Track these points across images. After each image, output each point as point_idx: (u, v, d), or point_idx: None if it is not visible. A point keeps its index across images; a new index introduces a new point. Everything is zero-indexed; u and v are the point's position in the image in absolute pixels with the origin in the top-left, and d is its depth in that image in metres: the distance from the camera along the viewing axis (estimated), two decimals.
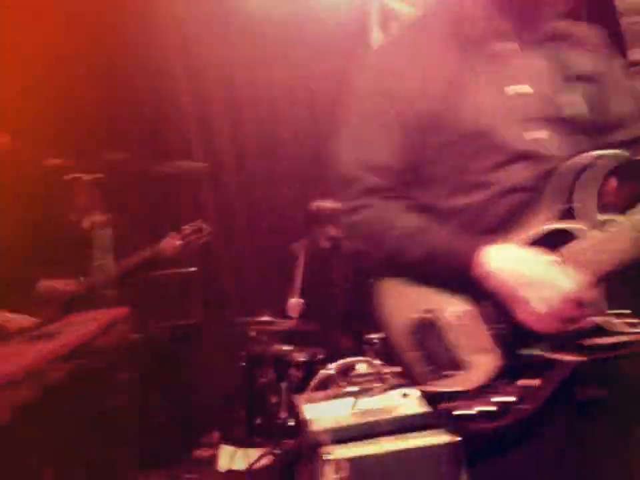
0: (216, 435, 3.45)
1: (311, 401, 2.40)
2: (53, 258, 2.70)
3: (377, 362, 2.64)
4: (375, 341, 2.74)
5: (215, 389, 3.57)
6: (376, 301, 1.28)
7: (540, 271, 1.08)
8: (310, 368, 2.89)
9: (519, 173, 1.18)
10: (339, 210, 1.28)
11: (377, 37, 4.06)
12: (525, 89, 1.19)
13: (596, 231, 1.08)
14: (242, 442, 3.02)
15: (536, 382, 1.11)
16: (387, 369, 2.63)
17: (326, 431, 2.21)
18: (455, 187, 1.22)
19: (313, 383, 2.68)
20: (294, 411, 2.71)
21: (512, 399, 1.12)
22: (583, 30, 1.28)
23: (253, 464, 2.84)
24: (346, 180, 1.26)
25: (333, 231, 3.56)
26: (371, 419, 2.29)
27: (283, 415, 2.93)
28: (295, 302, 3.18)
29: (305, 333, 3.18)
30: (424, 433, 2.20)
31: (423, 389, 1.19)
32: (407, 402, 2.47)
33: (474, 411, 1.13)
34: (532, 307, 1.07)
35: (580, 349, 1.09)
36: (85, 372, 2.03)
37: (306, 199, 3.47)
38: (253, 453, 2.93)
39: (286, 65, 3.76)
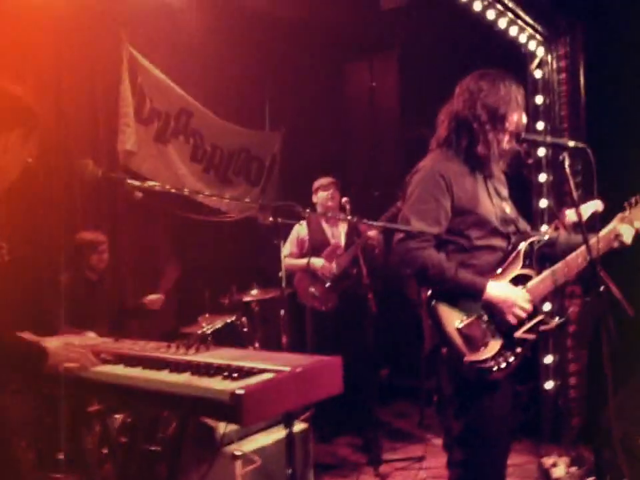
0: None
1: None
2: None
3: None
4: None
5: None
6: (433, 314, 2.20)
7: (515, 296, 2.20)
8: None
9: (498, 241, 2.30)
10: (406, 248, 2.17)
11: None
12: (495, 201, 2.35)
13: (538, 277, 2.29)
14: None
15: (520, 349, 2.21)
16: None
17: (230, 432, 2.74)
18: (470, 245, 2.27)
19: None
20: None
21: (512, 358, 2.20)
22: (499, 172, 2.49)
23: None
24: (414, 233, 2.17)
25: (95, 261, 3.76)
26: None
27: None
28: None
29: None
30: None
31: (467, 360, 2.14)
32: None
33: (495, 367, 2.16)
34: (512, 315, 2.18)
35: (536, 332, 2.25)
36: None
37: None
38: None
39: None
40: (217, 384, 1.33)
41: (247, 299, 4.04)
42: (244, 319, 3.77)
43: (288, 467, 1.79)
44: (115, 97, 4.39)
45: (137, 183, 1.90)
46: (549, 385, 3.99)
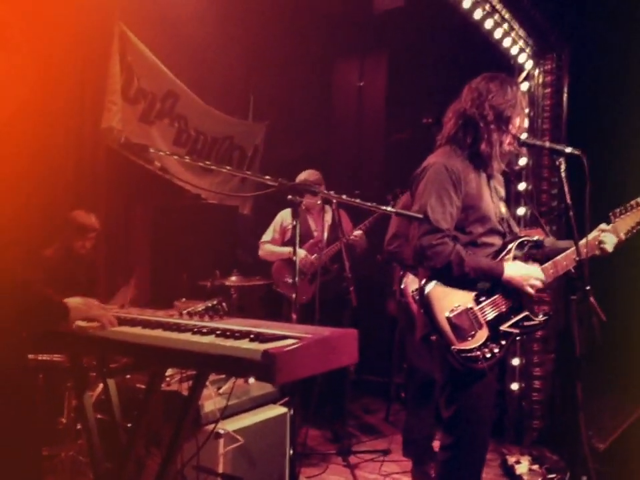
0: None
1: None
2: None
3: None
4: None
5: None
6: (426, 302, 2.28)
7: (529, 270, 2.33)
8: None
9: (495, 239, 2.41)
10: (425, 244, 2.23)
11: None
12: (495, 200, 2.46)
13: None
14: None
15: (504, 342, 2.33)
16: None
17: (215, 411, 2.76)
18: (469, 241, 2.37)
19: None
20: None
21: (497, 350, 2.30)
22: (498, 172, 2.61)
23: None
24: (434, 228, 2.26)
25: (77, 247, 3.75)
26: (236, 400, 2.94)
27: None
28: None
29: None
30: (267, 407, 3.02)
31: (455, 348, 2.22)
32: (253, 386, 3.22)
33: (481, 356, 2.25)
34: (530, 286, 2.30)
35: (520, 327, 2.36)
36: None
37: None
38: None
39: None
40: (246, 345, 1.37)
41: (228, 283, 4.07)
42: (224, 304, 3.79)
43: (290, 445, 1.82)
44: (104, 74, 4.34)
45: (154, 151, 1.90)
46: (514, 386, 4.13)
